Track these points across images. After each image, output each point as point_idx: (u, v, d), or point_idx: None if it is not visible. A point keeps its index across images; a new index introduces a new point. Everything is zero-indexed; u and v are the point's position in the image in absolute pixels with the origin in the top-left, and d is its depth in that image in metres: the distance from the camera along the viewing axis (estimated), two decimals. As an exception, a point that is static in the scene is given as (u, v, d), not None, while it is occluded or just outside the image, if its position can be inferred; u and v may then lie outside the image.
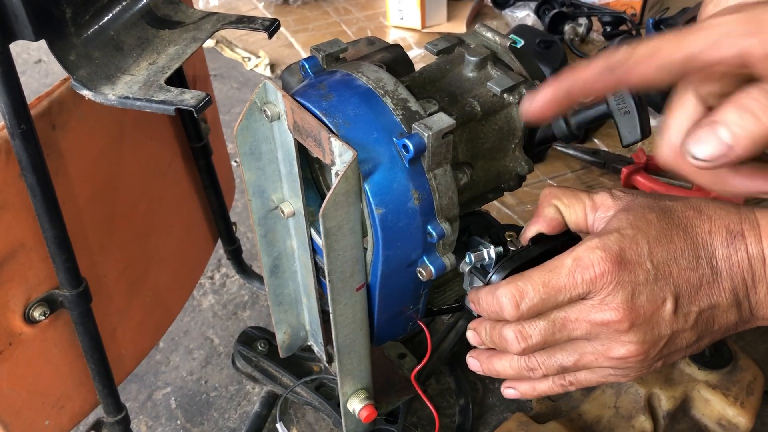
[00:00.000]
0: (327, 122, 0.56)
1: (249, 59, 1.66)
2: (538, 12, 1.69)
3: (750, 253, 0.52)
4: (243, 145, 0.61)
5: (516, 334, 0.55)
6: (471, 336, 0.62)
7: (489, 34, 0.66)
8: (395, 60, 0.67)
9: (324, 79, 0.60)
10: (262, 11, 1.85)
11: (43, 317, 0.66)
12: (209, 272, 1.14)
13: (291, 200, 0.65)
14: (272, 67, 1.63)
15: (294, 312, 0.75)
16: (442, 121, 0.55)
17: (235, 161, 1.32)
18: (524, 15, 1.72)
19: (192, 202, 0.91)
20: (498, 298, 0.55)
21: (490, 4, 1.79)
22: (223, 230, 0.98)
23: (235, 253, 1.03)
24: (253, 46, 1.70)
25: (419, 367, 0.75)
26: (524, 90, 0.62)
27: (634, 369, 0.56)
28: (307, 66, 0.63)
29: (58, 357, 0.71)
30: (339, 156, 0.54)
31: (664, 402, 0.81)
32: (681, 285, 0.53)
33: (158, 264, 0.84)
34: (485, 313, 0.58)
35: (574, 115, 0.64)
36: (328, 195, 0.53)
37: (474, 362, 0.63)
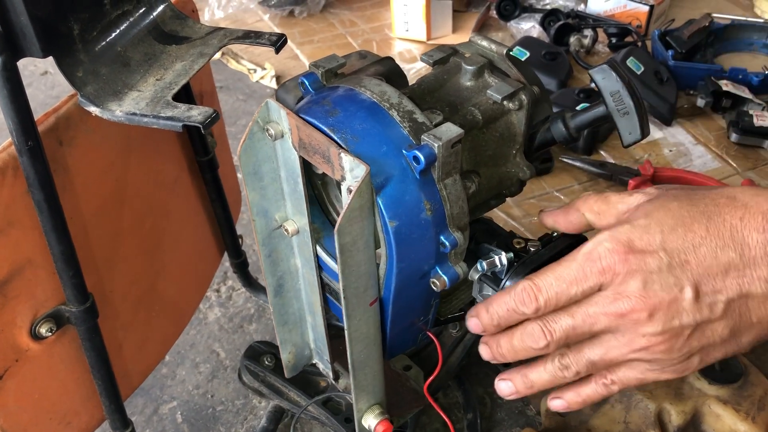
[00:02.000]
0: (335, 138, 0.56)
1: (255, 71, 1.67)
2: (544, 24, 1.69)
3: None
4: (246, 166, 0.61)
5: (541, 327, 0.56)
6: (484, 350, 0.62)
7: (484, 43, 0.66)
8: (388, 73, 0.67)
9: (327, 95, 0.60)
10: (267, 23, 1.85)
11: (50, 333, 0.66)
12: (215, 285, 1.14)
13: (295, 218, 0.65)
14: (278, 79, 1.63)
15: (298, 331, 0.75)
16: (451, 131, 0.55)
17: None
18: (529, 27, 1.72)
19: (199, 216, 0.91)
20: (517, 294, 0.56)
21: (496, 16, 1.79)
22: (230, 243, 0.98)
23: (241, 266, 1.03)
24: (259, 58, 1.71)
25: (431, 378, 0.74)
26: (523, 96, 0.62)
27: (665, 362, 0.55)
28: (307, 82, 0.63)
29: (64, 373, 0.70)
30: (350, 171, 0.54)
31: (675, 417, 0.80)
32: (701, 273, 0.52)
33: (165, 278, 0.84)
34: (495, 320, 0.59)
35: (573, 118, 0.64)
36: (343, 211, 0.53)
37: (506, 384, 0.62)
